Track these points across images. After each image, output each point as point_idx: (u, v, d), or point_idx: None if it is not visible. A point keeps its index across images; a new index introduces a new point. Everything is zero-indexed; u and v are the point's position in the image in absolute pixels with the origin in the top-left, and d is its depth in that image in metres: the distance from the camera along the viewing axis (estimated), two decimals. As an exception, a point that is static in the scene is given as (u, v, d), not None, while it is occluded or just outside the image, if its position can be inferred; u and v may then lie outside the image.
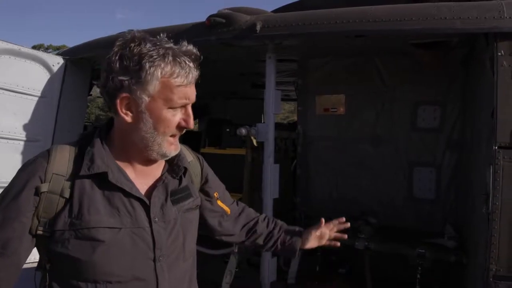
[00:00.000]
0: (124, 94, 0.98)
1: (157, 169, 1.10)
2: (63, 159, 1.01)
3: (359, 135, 3.41)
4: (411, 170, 3.27)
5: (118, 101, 0.99)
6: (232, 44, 2.79)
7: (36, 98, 3.40)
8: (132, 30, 1.03)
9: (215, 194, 1.27)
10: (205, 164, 1.28)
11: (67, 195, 0.97)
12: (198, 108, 6.54)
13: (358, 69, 3.38)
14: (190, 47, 1.03)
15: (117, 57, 0.98)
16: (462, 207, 2.92)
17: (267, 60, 2.81)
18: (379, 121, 3.35)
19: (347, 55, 3.38)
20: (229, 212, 1.33)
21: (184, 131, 1.05)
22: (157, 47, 0.97)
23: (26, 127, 3.30)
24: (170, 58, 0.97)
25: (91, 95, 5.72)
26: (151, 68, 0.96)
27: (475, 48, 2.67)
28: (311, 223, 3.21)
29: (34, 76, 3.35)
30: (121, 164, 1.04)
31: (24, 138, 3.22)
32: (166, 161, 1.12)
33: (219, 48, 2.98)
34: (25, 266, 1.00)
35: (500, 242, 2.03)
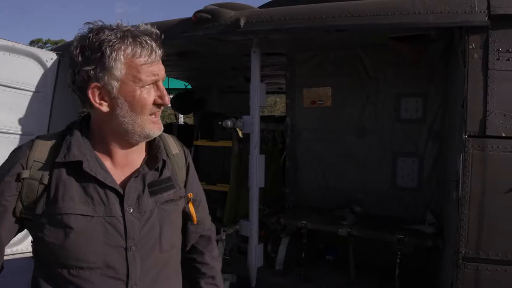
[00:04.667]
0: (93, 84, 0.99)
1: (136, 160, 1.11)
2: (44, 147, 1.05)
3: (345, 127, 3.51)
4: (394, 160, 3.38)
5: (89, 92, 1.00)
6: (218, 39, 2.88)
7: (31, 93, 3.50)
8: (92, 22, 1.03)
9: (189, 195, 1.23)
10: (190, 163, 1.26)
11: (45, 181, 1.00)
12: (194, 102, 6.67)
13: (344, 63, 3.47)
14: (148, 26, 1.04)
15: (78, 50, 0.99)
16: (441, 194, 3.03)
17: (252, 54, 2.90)
18: (364, 113, 3.45)
19: (333, 48, 3.47)
20: (195, 222, 1.25)
21: (162, 108, 1.06)
22: (115, 31, 0.99)
23: (21, 121, 3.41)
24: (130, 39, 0.98)
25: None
26: (113, 53, 0.97)
27: (453, 41, 2.76)
28: (300, 212, 3.35)
29: (28, 72, 3.44)
30: (100, 154, 1.05)
31: (20, 132, 3.32)
32: (146, 152, 1.13)
33: (207, 43, 3.08)
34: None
35: (469, 226, 2.14)
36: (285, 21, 2.54)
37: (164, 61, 3.64)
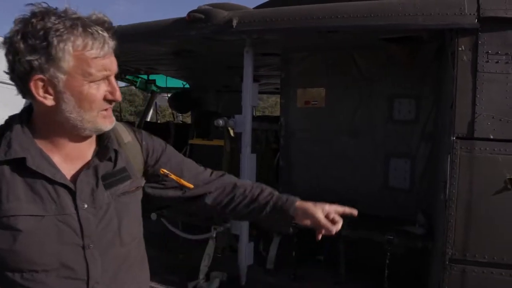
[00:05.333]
0: (37, 76, 0.90)
1: (87, 153, 1.04)
2: None
3: (339, 127, 3.52)
4: (387, 160, 3.39)
5: (31, 84, 0.91)
6: (211, 39, 2.89)
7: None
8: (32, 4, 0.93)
9: (161, 172, 1.18)
10: (149, 142, 1.19)
11: None
12: (191, 101, 6.69)
13: (338, 63, 3.48)
14: (101, 15, 0.96)
15: (19, 36, 0.89)
16: (432, 196, 3.04)
17: (244, 54, 2.92)
18: (357, 114, 3.46)
19: (326, 49, 3.48)
20: (191, 187, 1.22)
21: (113, 104, 1.01)
22: (63, 19, 0.90)
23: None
24: (80, 29, 0.90)
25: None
26: (61, 43, 0.89)
27: (444, 42, 2.77)
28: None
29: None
30: (46, 149, 0.97)
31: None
32: (97, 143, 1.06)
33: (201, 42, 3.09)
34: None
35: (456, 228, 2.15)
36: (277, 22, 2.56)
37: (160, 60, 3.65)
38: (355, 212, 1.35)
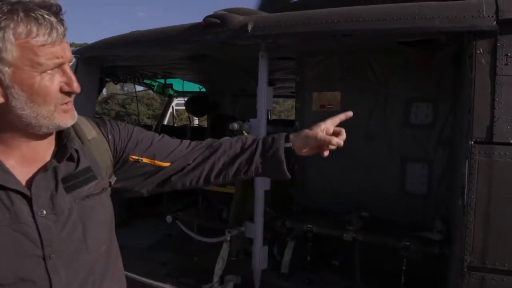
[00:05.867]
0: None
1: (45, 154, 0.95)
2: None
3: (354, 131, 3.46)
4: (404, 165, 3.34)
5: None
6: (227, 43, 2.92)
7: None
8: None
9: (131, 159, 1.09)
10: (115, 134, 1.09)
11: None
12: (207, 105, 6.79)
13: (353, 67, 3.46)
14: None
15: None
16: (450, 201, 2.98)
17: (259, 59, 2.94)
18: (373, 117, 3.43)
19: (342, 53, 3.46)
20: (167, 165, 1.13)
21: (72, 96, 0.91)
22: (0, 4, 0.81)
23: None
24: (21, 14, 0.81)
25: (103, 92, 5.98)
26: (0, 32, 0.79)
27: (462, 45, 2.72)
28: (307, 215, 3.35)
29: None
30: None
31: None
32: (56, 142, 0.97)
33: (217, 47, 3.13)
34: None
35: (474, 234, 2.10)
36: (291, 26, 2.56)
37: (176, 64, 3.71)
38: (349, 113, 1.27)
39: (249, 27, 2.66)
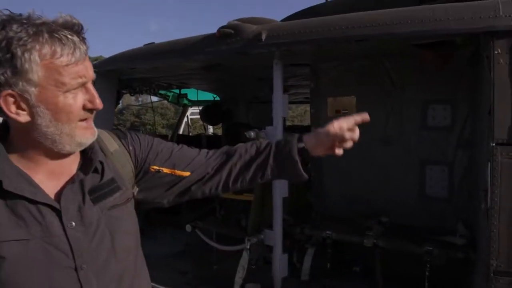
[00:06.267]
0: (5, 92, 0.84)
1: (71, 167, 0.97)
2: None
3: (370, 135, 3.46)
4: (422, 168, 3.29)
5: (1, 101, 0.85)
6: (241, 53, 2.96)
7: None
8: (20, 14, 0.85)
9: (151, 169, 1.11)
10: (136, 146, 1.11)
11: None
12: (222, 113, 6.86)
13: (368, 71, 3.45)
14: (68, 17, 0.88)
15: None
16: (472, 204, 2.92)
17: (274, 66, 2.96)
18: (389, 121, 3.40)
19: (356, 58, 3.46)
20: (188, 174, 1.14)
21: (94, 112, 0.94)
22: (25, 26, 0.83)
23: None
24: (46, 35, 0.83)
25: (119, 103, 6.10)
26: (26, 53, 0.82)
27: (479, 46, 2.69)
28: (326, 222, 3.33)
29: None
30: (25, 167, 0.91)
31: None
32: (80, 156, 1.00)
33: (231, 57, 3.17)
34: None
35: (499, 238, 2.06)
36: (305, 33, 2.59)
37: (191, 75, 3.77)
38: (366, 116, 1.23)
39: (263, 36, 2.70)
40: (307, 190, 3.90)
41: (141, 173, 1.12)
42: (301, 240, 3.35)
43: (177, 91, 6.55)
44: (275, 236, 2.95)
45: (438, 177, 3.23)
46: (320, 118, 3.75)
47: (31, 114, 0.88)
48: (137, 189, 1.12)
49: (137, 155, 1.12)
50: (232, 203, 3.89)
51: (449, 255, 2.68)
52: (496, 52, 2.14)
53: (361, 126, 3.94)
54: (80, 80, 0.89)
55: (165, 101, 7.07)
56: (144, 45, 3.59)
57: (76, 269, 0.91)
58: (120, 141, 1.11)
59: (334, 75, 3.64)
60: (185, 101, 7.12)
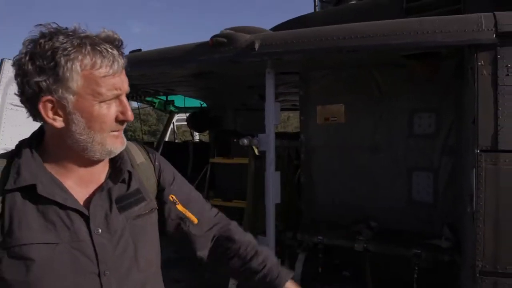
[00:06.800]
0: (45, 98, 0.89)
1: (100, 176, 1.01)
2: None
3: (359, 143, 3.56)
4: (409, 175, 3.40)
5: (40, 106, 0.89)
6: (235, 61, 3.01)
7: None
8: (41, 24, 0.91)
9: (170, 198, 1.13)
10: (162, 164, 1.16)
11: None
12: (209, 120, 6.87)
13: (356, 80, 3.55)
14: (110, 32, 0.94)
15: (27, 58, 0.88)
16: (457, 209, 3.04)
17: (266, 75, 3.02)
18: (377, 129, 3.50)
19: (345, 67, 3.56)
20: (195, 221, 1.16)
21: (125, 124, 0.98)
22: (71, 37, 0.89)
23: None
24: (88, 48, 0.89)
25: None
26: (68, 63, 0.87)
27: (464, 58, 2.82)
28: (317, 228, 3.39)
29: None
30: (58, 173, 0.95)
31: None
32: (110, 165, 1.04)
33: (223, 65, 3.21)
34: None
35: (485, 240, 2.16)
36: (297, 43, 2.66)
37: (180, 82, 3.80)
38: None
39: (256, 45, 2.76)
40: (297, 197, 3.96)
41: (160, 194, 1.15)
42: (292, 246, 3.40)
43: (164, 97, 6.54)
44: (268, 242, 2.98)
45: (424, 183, 3.34)
46: (310, 126, 3.84)
47: (67, 120, 0.92)
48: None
49: (162, 173, 1.15)
50: (223, 210, 3.91)
51: (436, 258, 2.78)
52: (479, 63, 2.26)
53: (350, 133, 4.05)
54: (115, 92, 0.93)
55: (148, 107, 7.06)
56: (130, 52, 3.59)
57: (99, 275, 0.93)
58: (148, 155, 1.15)
59: (324, 83, 3.73)
60: (172, 108, 7.12)
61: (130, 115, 0.96)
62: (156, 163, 1.15)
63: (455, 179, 3.18)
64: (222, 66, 3.24)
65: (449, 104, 3.22)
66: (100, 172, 1.02)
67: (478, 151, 2.20)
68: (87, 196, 0.98)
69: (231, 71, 3.57)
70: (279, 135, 4.41)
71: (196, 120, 6.80)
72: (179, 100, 6.87)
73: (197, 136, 9.00)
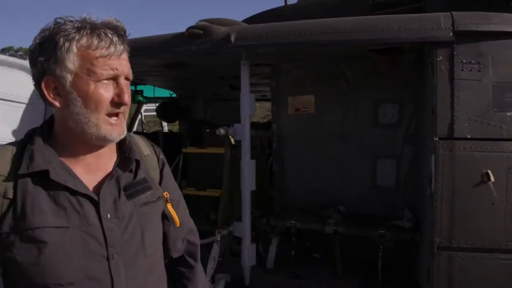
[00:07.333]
0: (47, 78, 0.94)
1: (108, 164, 1.05)
2: (4, 159, 0.96)
3: (328, 132, 3.75)
4: (375, 162, 3.64)
5: (43, 86, 0.94)
6: (210, 53, 3.07)
7: (24, 105, 3.61)
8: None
9: (164, 194, 1.15)
10: (164, 160, 1.21)
11: (10, 195, 0.93)
12: (179, 110, 6.83)
13: (326, 73, 3.72)
14: (113, 20, 0.98)
15: (37, 42, 0.95)
16: (417, 193, 3.31)
17: (241, 67, 3.11)
18: (345, 119, 3.70)
19: (315, 60, 3.71)
20: (178, 225, 1.17)
21: (121, 108, 0.99)
22: (74, 22, 0.95)
23: (15, 133, 3.50)
24: (88, 30, 0.94)
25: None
26: (66, 43, 0.92)
27: (423, 53, 3.05)
28: (289, 214, 3.55)
29: (21, 85, 3.55)
30: (67, 160, 0.99)
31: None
32: (118, 154, 1.08)
33: (199, 56, 3.26)
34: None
35: (442, 219, 2.40)
36: (272, 37, 2.77)
37: (150, 72, 3.83)
38: None
39: (232, 38, 2.84)
40: (269, 184, 4.11)
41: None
42: (266, 231, 3.55)
43: (132, 87, 6.44)
44: (244, 227, 3.11)
45: (388, 170, 3.60)
46: (281, 116, 3.98)
47: (66, 100, 0.96)
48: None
49: (163, 167, 1.19)
50: (197, 199, 3.99)
51: (399, 237, 3.03)
52: (438, 59, 2.48)
53: (320, 123, 4.22)
54: (111, 72, 0.96)
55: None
56: None
57: (108, 258, 0.96)
58: (153, 148, 1.20)
59: (295, 75, 3.88)
60: (141, 98, 7.01)
61: (125, 98, 0.98)
62: (161, 157, 1.20)
63: (416, 166, 3.45)
64: (197, 57, 3.28)
65: (410, 96, 3.47)
66: (108, 161, 1.06)
67: (437, 138, 2.43)
68: (96, 183, 1.01)
69: (205, 62, 3.62)
70: (252, 125, 4.52)
71: (166, 110, 6.75)
72: (148, 90, 6.78)
73: (166, 127, 8.91)
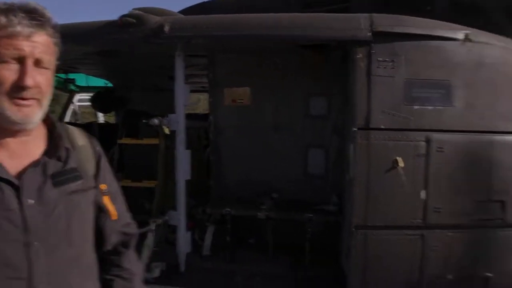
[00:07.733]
0: None
1: (35, 151, 1.03)
2: None
3: (263, 123, 3.90)
4: (306, 151, 3.87)
5: None
6: (143, 42, 3.05)
7: None
8: None
9: (101, 186, 1.14)
10: (101, 153, 1.19)
11: None
12: (115, 100, 6.59)
13: (260, 65, 3.85)
14: (33, 4, 0.98)
15: None
16: (343, 179, 3.59)
17: (176, 58, 3.13)
18: (279, 110, 3.88)
19: (250, 52, 3.83)
20: (114, 217, 1.16)
21: (28, 91, 0.96)
22: None
23: None
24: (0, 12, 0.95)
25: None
26: None
27: (348, 50, 3.30)
28: (225, 202, 3.66)
29: None
30: None
31: None
32: (47, 143, 1.07)
33: (132, 45, 3.22)
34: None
35: (359, 201, 2.66)
36: (206, 29, 2.83)
37: (82, 59, 3.73)
38: None
39: (166, 28, 2.85)
40: (206, 174, 4.18)
41: (94, 178, 1.14)
42: (202, 220, 3.63)
43: (63, 75, 6.10)
44: (179, 216, 3.16)
45: (318, 159, 3.84)
46: (218, 107, 4.05)
47: None
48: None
49: (100, 160, 1.17)
50: (133, 190, 3.94)
51: (325, 220, 3.28)
52: (358, 56, 2.72)
53: (255, 114, 4.34)
54: (15, 52, 0.94)
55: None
56: None
57: (27, 245, 0.94)
58: (89, 140, 1.18)
59: (230, 66, 3.96)
60: (73, 87, 6.66)
61: (26, 81, 0.95)
62: (97, 148, 1.19)
63: (342, 155, 3.73)
64: (131, 46, 3.24)
65: (338, 90, 3.72)
66: (35, 148, 1.04)
67: (355, 129, 2.67)
68: (20, 169, 0.99)
69: (141, 52, 3.58)
70: (189, 116, 4.55)
71: (101, 100, 6.49)
72: (80, 79, 6.46)
73: (101, 118, 8.54)
